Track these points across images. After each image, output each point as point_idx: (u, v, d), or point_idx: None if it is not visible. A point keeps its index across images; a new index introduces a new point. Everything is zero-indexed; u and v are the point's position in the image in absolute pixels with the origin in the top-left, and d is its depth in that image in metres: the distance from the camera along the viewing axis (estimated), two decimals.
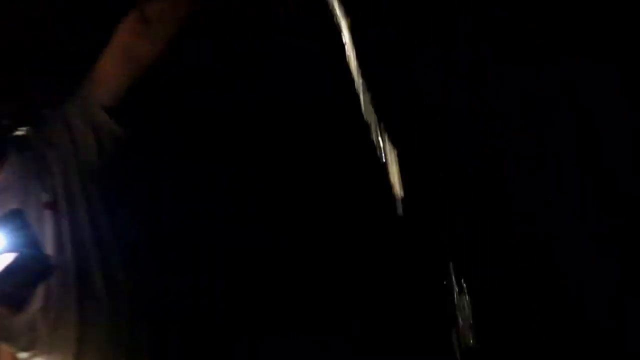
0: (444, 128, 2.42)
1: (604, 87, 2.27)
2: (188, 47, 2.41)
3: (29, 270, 1.99)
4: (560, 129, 2.33)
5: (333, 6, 1.78)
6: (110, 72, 2.08)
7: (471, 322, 1.75)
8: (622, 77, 2.26)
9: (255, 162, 2.52)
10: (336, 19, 1.76)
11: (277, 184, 2.52)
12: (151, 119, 2.44)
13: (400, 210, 1.73)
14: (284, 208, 2.52)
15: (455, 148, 2.43)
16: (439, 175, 2.44)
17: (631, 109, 2.26)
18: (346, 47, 1.75)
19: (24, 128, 2.11)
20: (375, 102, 1.71)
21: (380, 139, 1.73)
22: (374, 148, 1.75)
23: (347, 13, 1.74)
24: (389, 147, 1.73)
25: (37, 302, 2.04)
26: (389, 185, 2.43)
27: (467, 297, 1.74)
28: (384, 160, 1.73)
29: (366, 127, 1.75)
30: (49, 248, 2.03)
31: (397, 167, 1.72)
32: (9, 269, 1.96)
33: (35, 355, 2.07)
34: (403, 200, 1.73)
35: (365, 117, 1.74)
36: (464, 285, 1.73)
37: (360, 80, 1.74)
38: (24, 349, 2.07)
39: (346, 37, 1.76)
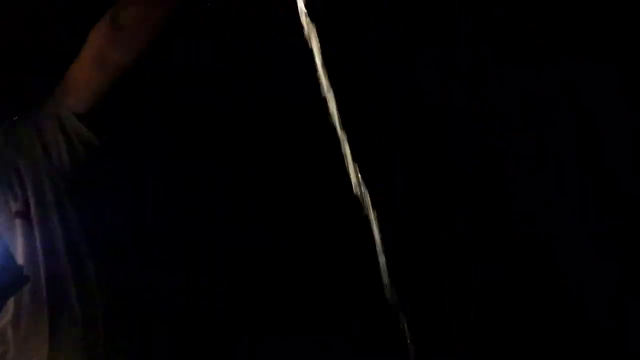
0: (444, 128, 2.43)
1: (604, 87, 2.27)
2: (188, 47, 2.41)
3: (0, 283, 1.93)
4: (560, 129, 2.33)
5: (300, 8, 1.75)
6: (82, 78, 2.01)
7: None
8: (622, 77, 2.26)
9: (255, 162, 2.52)
10: (302, 21, 1.74)
11: (277, 184, 2.52)
12: (144, 118, 2.43)
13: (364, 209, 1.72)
14: (284, 208, 2.52)
15: (455, 148, 2.43)
16: (439, 175, 2.44)
17: (631, 109, 2.26)
18: (314, 51, 1.73)
19: None
20: (340, 107, 1.70)
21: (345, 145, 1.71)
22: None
23: (315, 16, 1.73)
24: (349, 154, 1.72)
25: (7, 313, 1.97)
26: (389, 185, 2.44)
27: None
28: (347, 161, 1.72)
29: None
30: (21, 258, 1.96)
31: (356, 169, 1.71)
32: None
33: None
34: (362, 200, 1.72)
35: (331, 120, 1.74)
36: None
37: (327, 83, 1.72)
38: None
39: (313, 42, 1.74)
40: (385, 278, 1.75)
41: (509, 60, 2.32)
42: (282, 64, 2.40)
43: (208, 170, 2.49)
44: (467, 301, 2.42)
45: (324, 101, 1.70)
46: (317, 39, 1.71)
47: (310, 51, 1.73)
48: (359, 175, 1.70)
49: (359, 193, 1.70)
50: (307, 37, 1.70)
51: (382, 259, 1.76)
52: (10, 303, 1.97)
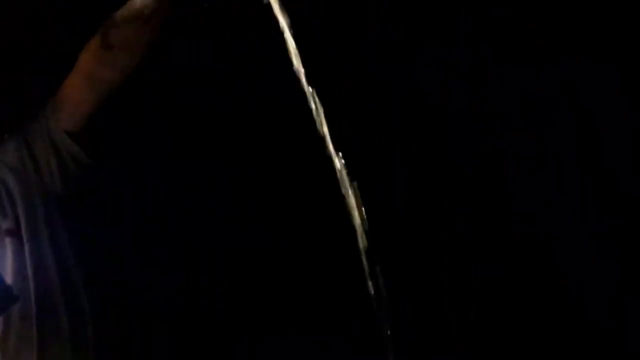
0: (444, 128, 2.43)
1: (604, 87, 2.27)
2: (188, 47, 2.41)
3: None
4: (560, 129, 2.33)
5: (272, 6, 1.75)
6: (73, 97, 1.99)
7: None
8: (622, 77, 2.26)
9: (255, 162, 2.52)
10: (276, 19, 1.73)
11: (277, 184, 2.52)
12: (144, 118, 2.43)
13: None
14: (284, 208, 2.52)
15: (455, 148, 2.43)
16: (439, 175, 2.44)
17: (631, 109, 2.26)
18: (290, 50, 1.73)
19: None
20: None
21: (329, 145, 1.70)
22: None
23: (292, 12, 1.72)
24: (338, 158, 1.72)
25: None
26: (389, 185, 2.44)
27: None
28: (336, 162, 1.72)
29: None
30: (10, 276, 1.95)
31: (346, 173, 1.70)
32: None
33: None
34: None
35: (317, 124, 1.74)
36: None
37: (310, 90, 1.72)
38: None
39: (288, 39, 1.73)
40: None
41: (509, 60, 2.32)
42: (282, 64, 2.40)
43: (208, 170, 2.49)
44: (467, 301, 2.42)
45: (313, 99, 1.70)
46: (292, 34, 1.70)
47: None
48: (345, 172, 1.69)
49: (348, 192, 1.70)
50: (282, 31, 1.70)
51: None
52: None
